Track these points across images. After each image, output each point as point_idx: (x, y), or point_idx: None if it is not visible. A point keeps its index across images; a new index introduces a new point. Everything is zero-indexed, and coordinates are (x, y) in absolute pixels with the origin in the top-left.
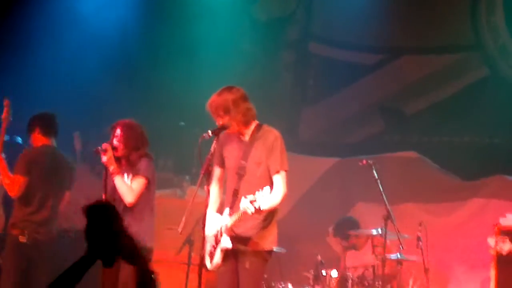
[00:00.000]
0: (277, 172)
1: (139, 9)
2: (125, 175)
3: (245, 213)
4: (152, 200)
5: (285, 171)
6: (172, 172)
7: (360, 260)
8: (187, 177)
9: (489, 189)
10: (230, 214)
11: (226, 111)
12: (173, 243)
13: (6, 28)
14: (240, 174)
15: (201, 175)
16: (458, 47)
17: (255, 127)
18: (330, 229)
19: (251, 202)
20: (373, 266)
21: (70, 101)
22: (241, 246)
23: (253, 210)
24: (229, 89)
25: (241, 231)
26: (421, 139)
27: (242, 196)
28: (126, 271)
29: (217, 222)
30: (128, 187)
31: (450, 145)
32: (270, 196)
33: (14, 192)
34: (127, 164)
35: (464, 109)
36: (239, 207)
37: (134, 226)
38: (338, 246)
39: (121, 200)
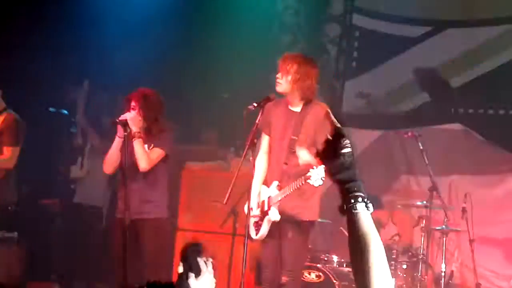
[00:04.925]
0: None
1: None
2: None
3: (297, 189)
4: (168, 173)
5: None
6: (216, 145)
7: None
8: (231, 149)
9: None
10: (280, 188)
11: (298, 74)
12: (218, 215)
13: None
14: (291, 149)
15: (246, 147)
16: (504, 18)
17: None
18: None
19: (305, 179)
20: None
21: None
22: (284, 217)
23: (301, 184)
24: (314, 62)
25: (286, 203)
26: (467, 112)
27: (291, 170)
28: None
29: (263, 194)
30: (145, 152)
31: (496, 117)
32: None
33: None
34: (146, 136)
35: (510, 82)
36: (288, 182)
37: (150, 195)
38: None
39: (135, 165)
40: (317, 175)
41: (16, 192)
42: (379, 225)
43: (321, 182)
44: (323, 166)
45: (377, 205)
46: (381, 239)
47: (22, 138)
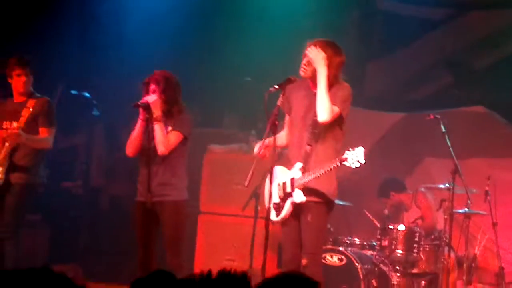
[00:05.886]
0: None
1: None
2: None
3: (327, 171)
4: (187, 156)
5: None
6: (238, 128)
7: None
8: (253, 132)
9: None
10: (304, 170)
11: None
12: (239, 198)
13: None
14: (314, 131)
15: (267, 129)
16: None
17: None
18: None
19: (341, 160)
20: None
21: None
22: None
23: (336, 166)
24: (341, 50)
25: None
26: (489, 94)
27: (316, 152)
28: None
29: (284, 175)
30: (165, 137)
31: None
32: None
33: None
34: (167, 118)
35: None
36: (315, 164)
37: (169, 178)
38: (386, 208)
39: (155, 149)
40: (354, 157)
41: (44, 175)
42: (403, 208)
43: (358, 165)
44: (361, 148)
45: (401, 188)
46: (405, 222)
47: (55, 120)
